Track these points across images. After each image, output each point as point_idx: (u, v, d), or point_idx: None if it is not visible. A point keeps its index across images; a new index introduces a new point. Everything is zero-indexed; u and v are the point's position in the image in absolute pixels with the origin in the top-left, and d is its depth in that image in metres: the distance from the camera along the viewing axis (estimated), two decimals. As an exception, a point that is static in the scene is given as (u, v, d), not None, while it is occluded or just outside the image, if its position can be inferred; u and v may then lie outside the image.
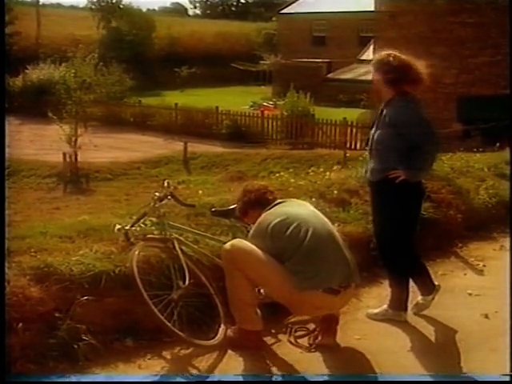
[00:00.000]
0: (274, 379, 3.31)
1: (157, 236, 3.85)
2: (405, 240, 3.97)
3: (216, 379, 3.28)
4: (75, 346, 3.25)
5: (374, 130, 3.95)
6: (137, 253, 3.55)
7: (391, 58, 3.83)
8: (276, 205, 3.67)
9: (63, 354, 3.23)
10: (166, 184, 4.06)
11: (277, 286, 3.45)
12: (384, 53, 3.91)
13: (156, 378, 3.25)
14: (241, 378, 3.30)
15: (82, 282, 3.46)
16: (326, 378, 3.35)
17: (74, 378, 3.15)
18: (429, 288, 4.10)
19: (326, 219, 3.69)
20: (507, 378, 3.28)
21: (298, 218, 3.52)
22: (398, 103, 3.80)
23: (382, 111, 3.88)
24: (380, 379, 3.34)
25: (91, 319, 3.39)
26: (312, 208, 3.77)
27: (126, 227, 3.88)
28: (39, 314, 3.27)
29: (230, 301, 3.61)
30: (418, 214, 4.14)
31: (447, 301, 4.21)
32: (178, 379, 3.31)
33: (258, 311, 3.57)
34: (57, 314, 3.31)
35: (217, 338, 3.54)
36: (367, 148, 4.07)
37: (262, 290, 3.73)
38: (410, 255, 4.04)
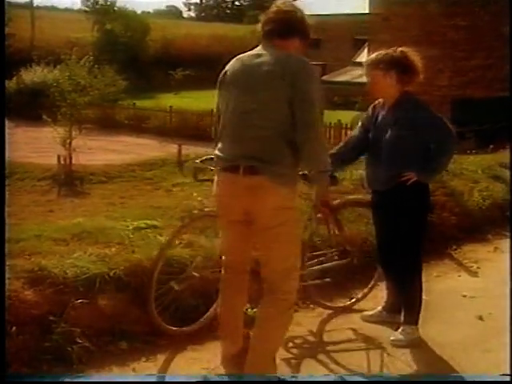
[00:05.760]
0: (273, 379, 3.30)
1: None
2: (414, 248, 3.78)
3: (215, 379, 3.27)
4: (69, 349, 3.24)
5: (374, 132, 3.72)
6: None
7: (406, 55, 3.68)
8: None
9: (57, 357, 3.22)
10: None
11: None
12: (398, 49, 3.72)
13: (152, 379, 3.24)
14: (240, 378, 3.30)
15: (77, 285, 3.45)
16: (326, 379, 3.35)
17: (67, 379, 3.15)
18: (412, 320, 3.80)
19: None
20: (507, 378, 3.29)
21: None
22: (410, 103, 3.67)
23: (388, 112, 3.69)
24: (379, 379, 3.34)
25: (85, 322, 3.38)
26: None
27: (196, 161, 3.70)
28: (33, 317, 3.26)
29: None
30: (427, 221, 3.96)
31: (442, 302, 4.22)
32: (175, 379, 3.31)
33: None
34: (51, 317, 3.30)
35: (196, 323, 3.62)
36: (367, 154, 3.79)
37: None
38: (416, 262, 3.82)
